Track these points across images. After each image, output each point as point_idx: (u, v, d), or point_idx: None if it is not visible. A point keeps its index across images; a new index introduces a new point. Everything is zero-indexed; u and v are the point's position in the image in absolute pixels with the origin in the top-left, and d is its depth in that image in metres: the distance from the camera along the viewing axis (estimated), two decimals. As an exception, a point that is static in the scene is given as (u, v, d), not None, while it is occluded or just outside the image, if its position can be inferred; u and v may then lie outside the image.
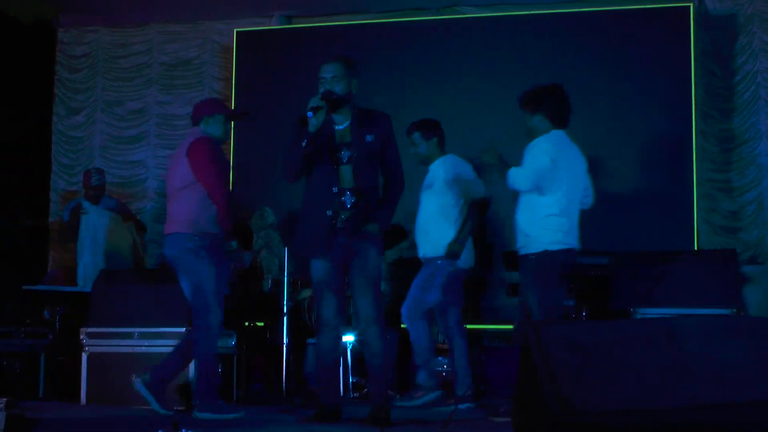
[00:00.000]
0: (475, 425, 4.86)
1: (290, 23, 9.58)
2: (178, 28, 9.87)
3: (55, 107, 9.95)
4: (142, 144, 9.82)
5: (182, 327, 5.67)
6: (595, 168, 5.59)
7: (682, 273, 6.01)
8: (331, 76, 4.74)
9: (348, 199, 4.68)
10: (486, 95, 8.76)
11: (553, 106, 5.12)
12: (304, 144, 4.60)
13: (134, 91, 9.89)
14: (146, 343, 5.78)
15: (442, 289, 5.99)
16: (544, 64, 8.64)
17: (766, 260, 8.29)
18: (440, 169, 6.10)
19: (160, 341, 5.70)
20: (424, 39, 9.10)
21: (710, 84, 8.65)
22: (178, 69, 9.84)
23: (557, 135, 5.12)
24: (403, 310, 6.06)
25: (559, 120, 5.15)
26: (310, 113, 4.57)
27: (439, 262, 6.00)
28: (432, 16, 9.29)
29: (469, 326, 7.11)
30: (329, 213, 4.67)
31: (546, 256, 4.99)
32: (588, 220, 5.35)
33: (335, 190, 4.66)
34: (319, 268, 4.79)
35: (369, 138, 4.71)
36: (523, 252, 5.12)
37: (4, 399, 3.84)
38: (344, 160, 4.69)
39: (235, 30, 9.44)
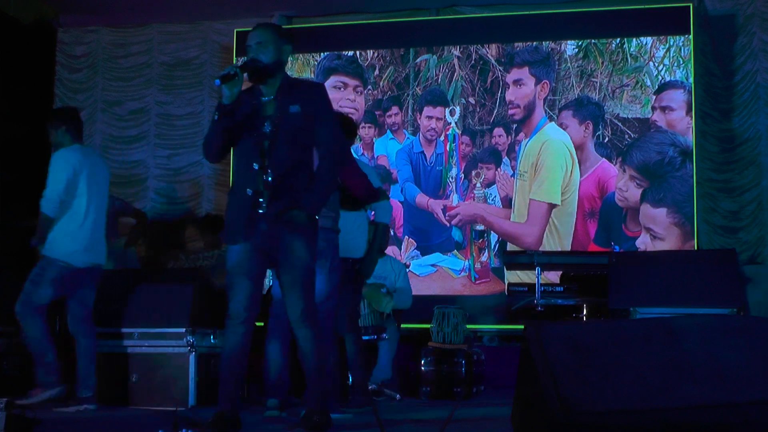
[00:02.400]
0: (475, 425, 4.86)
1: (290, 23, 9.57)
2: (178, 28, 9.87)
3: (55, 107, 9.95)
4: (142, 144, 9.82)
5: (182, 327, 5.65)
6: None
7: (682, 273, 6.01)
8: (255, 43, 4.21)
9: (270, 177, 4.13)
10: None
11: (74, 123, 5.57)
12: (216, 117, 4.13)
13: (134, 91, 9.89)
14: (146, 344, 5.76)
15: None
16: (543, 64, 8.64)
17: (766, 260, 8.29)
18: None
19: (161, 341, 5.69)
20: (424, 39, 9.10)
21: (710, 84, 8.65)
22: (178, 69, 9.84)
23: (76, 148, 5.51)
24: None
25: (78, 135, 5.59)
26: (217, 81, 4.04)
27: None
28: (432, 16, 9.29)
29: (469, 326, 7.11)
30: (249, 192, 4.15)
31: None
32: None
33: (256, 167, 4.14)
34: (234, 252, 4.20)
35: (293, 109, 4.17)
36: None
37: (4, 399, 3.84)
38: (267, 135, 4.16)
39: (235, 30, 9.44)
